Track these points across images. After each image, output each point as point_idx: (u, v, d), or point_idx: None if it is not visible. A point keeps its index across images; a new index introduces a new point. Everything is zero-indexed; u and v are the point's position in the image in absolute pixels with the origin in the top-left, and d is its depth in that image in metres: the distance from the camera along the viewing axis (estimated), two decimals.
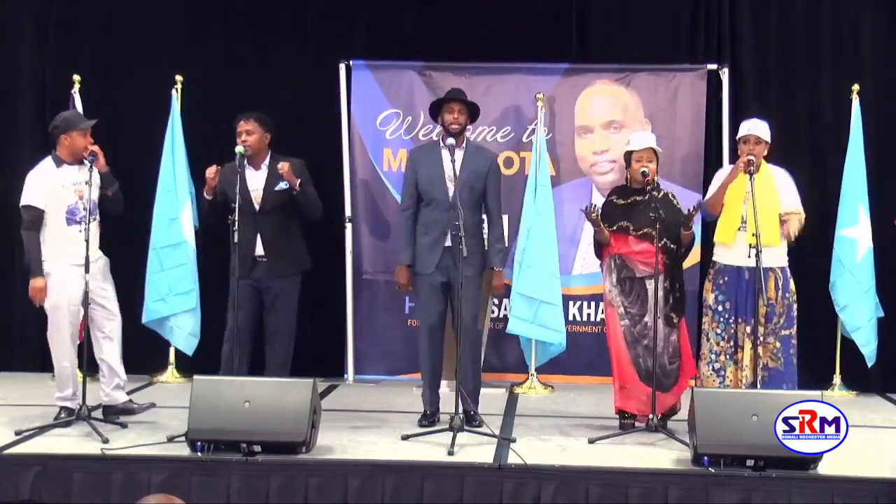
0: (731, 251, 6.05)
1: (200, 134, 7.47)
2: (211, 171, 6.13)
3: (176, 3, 7.97)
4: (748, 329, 5.98)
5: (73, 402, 5.98)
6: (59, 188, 5.95)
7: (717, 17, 7.73)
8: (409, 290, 6.36)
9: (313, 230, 7.87)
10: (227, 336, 6.18)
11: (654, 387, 5.79)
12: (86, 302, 5.88)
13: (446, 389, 6.60)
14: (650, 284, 5.90)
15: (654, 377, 5.81)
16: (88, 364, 6.00)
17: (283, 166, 6.08)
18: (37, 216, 5.97)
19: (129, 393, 6.34)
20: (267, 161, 6.29)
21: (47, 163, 6.04)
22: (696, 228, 6.32)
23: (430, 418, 6.15)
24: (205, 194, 6.22)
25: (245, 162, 6.19)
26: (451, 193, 6.00)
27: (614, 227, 6.00)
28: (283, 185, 6.24)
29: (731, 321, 6.06)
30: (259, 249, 6.22)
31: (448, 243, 6.01)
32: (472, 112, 6.31)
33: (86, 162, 5.91)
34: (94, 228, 6.01)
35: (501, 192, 6.36)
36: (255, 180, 6.26)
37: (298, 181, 6.13)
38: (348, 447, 5.61)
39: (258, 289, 6.23)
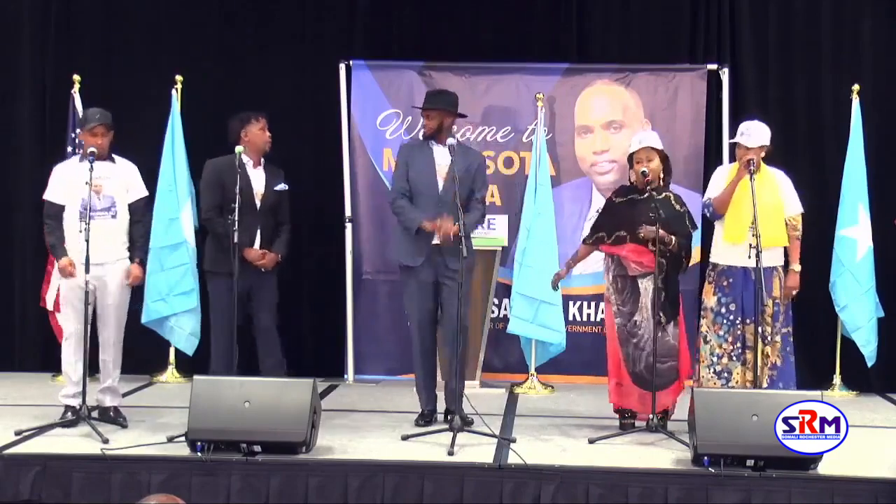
0: (735, 252, 6.02)
1: (200, 134, 7.47)
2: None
3: (176, 3, 7.97)
4: (759, 329, 5.96)
5: (76, 401, 5.97)
6: (78, 183, 5.95)
7: (717, 17, 7.73)
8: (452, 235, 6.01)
9: (313, 230, 7.90)
10: (222, 336, 6.16)
11: (653, 387, 5.79)
12: (86, 302, 5.87)
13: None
14: (642, 283, 5.90)
15: (653, 375, 5.80)
16: (90, 364, 5.99)
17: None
18: (56, 211, 6.01)
19: (129, 393, 6.32)
20: (262, 160, 6.34)
21: (74, 158, 6.13)
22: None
23: (426, 417, 6.16)
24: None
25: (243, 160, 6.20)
26: (439, 189, 6.04)
27: (612, 237, 5.97)
28: (282, 186, 6.29)
29: (737, 322, 6.03)
30: (257, 248, 6.23)
31: (436, 241, 6.01)
32: (453, 111, 6.25)
33: (88, 160, 5.91)
34: (110, 227, 6.01)
35: (502, 192, 6.36)
36: (257, 179, 6.29)
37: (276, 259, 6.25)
38: (348, 447, 5.61)
39: (244, 287, 6.12)
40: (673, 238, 5.87)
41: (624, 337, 5.96)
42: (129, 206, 6.12)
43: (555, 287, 6.23)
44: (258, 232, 6.25)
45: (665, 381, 5.90)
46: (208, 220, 6.30)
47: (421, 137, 6.11)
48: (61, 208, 6.00)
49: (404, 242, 6.18)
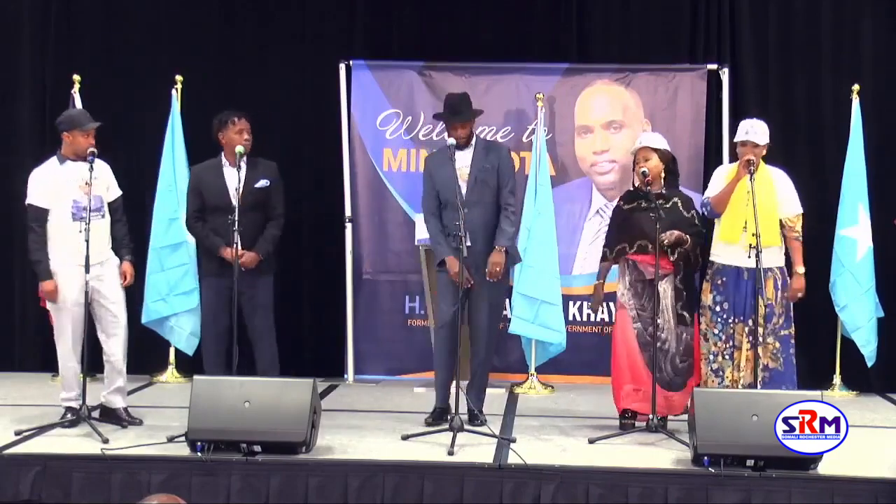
0: (731, 251, 6.04)
1: (200, 134, 7.46)
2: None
3: (176, 3, 7.97)
4: (746, 329, 5.98)
5: (77, 403, 5.96)
6: (63, 185, 5.95)
7: (717, 17, 7.73)
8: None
9: (313, 230, 7.91)
10: (209, 336, 6.20)
11: (653, 385, 5.78)
12: (87, 302, 5.87)
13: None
14: (661, 286, 5.90)
15: (656, 377, 5.80)
16: (90, 364, 6.00)
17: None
18: (41, 215, 5.98)
19: (129, 393, 6.32)
20: (244, 159, 6.21)
21: (51, 161, 6.06)
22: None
23: (435, 415, 6.15)
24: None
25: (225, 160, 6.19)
26: (463, 195, 6.02)
27: (635, 247, 5.97)
28: (262, 183, 6.21)
29: (729, 321, 6.05)
30: (238, 248, 6.00)
31: (468, 243, 6.02)
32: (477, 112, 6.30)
33: (88, 161, 5.90)
34: (102, 226, 6.01)
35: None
36: (232, 179, 6.13)
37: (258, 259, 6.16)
38: (348, 447, 5.61)
39: (231, 289, 6.01)
40: (689, 239, 5.91)
41: (646, 341, 5.94)
42: (109, 205, 6.12)
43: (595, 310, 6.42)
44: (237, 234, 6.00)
45: (684, 381, 5.94)
46: (189, 226, 6.35)
47: (454, 142, 6.05)
48: (46, 212, 5.98)
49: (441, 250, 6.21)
